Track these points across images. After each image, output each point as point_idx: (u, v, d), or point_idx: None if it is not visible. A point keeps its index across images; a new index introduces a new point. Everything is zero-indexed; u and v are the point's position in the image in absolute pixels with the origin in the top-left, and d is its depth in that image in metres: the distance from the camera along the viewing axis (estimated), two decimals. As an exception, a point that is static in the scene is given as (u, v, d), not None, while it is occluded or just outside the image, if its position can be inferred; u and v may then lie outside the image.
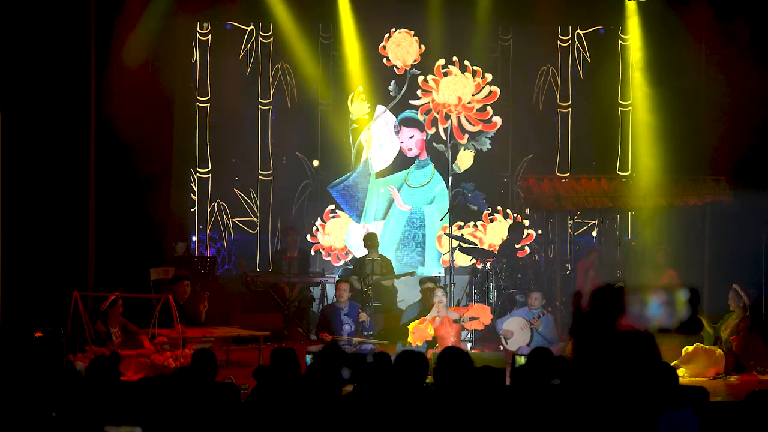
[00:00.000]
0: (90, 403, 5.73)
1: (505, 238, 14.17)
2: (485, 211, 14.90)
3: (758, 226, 12.77)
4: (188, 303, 11.18)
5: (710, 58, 13.72)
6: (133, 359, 9.67)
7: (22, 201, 11.03)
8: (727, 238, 12.72)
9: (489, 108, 14.96)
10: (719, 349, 10.44)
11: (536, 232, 14.56)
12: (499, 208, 14.94)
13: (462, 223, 14.75)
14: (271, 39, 14.70)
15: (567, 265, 14.13)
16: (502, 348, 11.03)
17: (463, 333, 10.92)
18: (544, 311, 11.17)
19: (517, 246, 13.76)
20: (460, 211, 14.59)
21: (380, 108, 14.89)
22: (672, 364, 9.91)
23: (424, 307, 11.34)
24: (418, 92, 14.92)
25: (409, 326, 10.58)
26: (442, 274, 14.07)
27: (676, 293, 2.84)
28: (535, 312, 11.07)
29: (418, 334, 10.38)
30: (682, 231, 13.29)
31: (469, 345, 11.76)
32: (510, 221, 14.65)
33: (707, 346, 10.47)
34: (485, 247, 14.30)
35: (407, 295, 13.23)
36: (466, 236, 14.22)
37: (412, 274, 13.55)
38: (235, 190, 14.70)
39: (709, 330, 10.63)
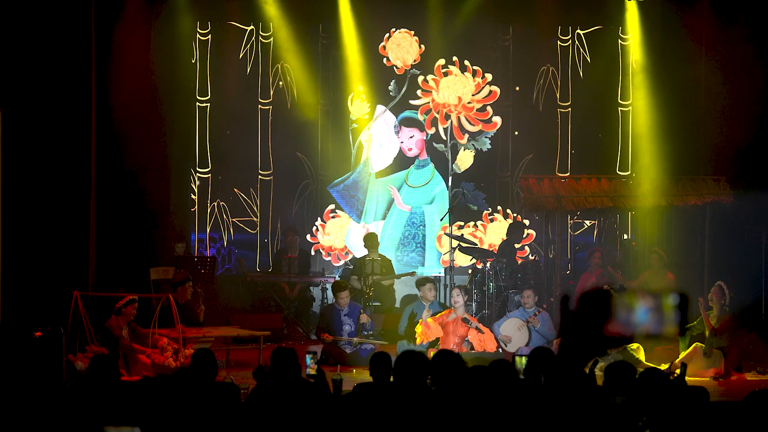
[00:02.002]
0: (90, 403, 5.73)
1: (505, 238, 14.15)
2: (485, 211, 14.90)
3: (758, 226, 12.78)
4: (187, 303, 11.16)
5: (710, 58, 13.72)
6: (138, 359, 9.67)
7: (22, 201, 11.03)
8: (727, 238, 12.72)
9: (489, 108, 14.97)
10: (718, 350, 10.44)
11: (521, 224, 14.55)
12: (499, 208, 14.94)
13: (462, 223, 14.75)
14: (271, 39, 14.70)
15: (567, 264, 14.15)
16: (501, 350, 11.04)
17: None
18: (539, 309, 11.19)
19: (517, 246, 13.76)
20: (460, 211, 14.59)
21: (380, 108, 14.89)
22: (671, 364, 9.97)
23: (423, 307, 11.34)
24: (418, 92, 14.92)
25: (419, 322, 10.58)
26: (442, 274, 14.08)
27: (665, 299, 2.83)
28: (530, 311, 11.09)
29: (427, 331, 10.40)
30: (682, 231, 13.30)
31: (468, 345, 11.75)
32: (510, 221, 14.65)
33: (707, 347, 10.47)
34: (485, 247, 14.30)
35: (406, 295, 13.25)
36: (466, 236, 14.21)
37: (412, 274, 13.54)
38: (235, 190, 14.71)
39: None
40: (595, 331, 2.90)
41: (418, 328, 10.54)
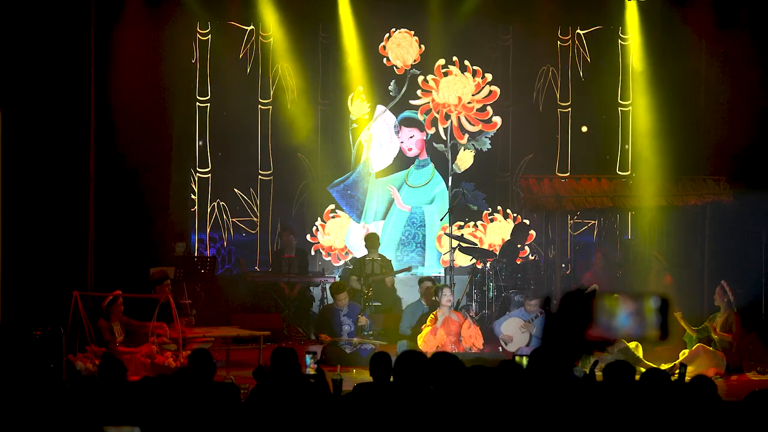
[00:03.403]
0: (90, 403, 5.73)
1: (506, 238, 14.13)
2: (485, 211, 14.90)
3: (758, 226, 12.78)
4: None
5: (710, 58, 13.73)
6: (134, 358, 9.67)
7: (22, 201, 11.02)
8: (727, 238, 12.72)
9: (489, 108, 14.96)
10: (719, 350, 10.43)
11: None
12: (499, 208, 14.93)
13: (462, 223, 14.74)
14: (271, 39, 14.69)
15: (567, 264, 14.14)
16: (501, 349, 11.04)
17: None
18: (539, 312, 11.18)
19: (519, 246, 13.76)
20: (460, 211, 14.59)
21: (380, 108, 14.89)
22: (673, 365, 9.96)
23: (423, 307, 11.34)
24: (418, 92, 14.91)
25: (418, 338, 10.59)
26: (442, 274, 14.07)
27: (645, 302, 2.82)
28: (532, 314, 11.08)
29: (430, 342, 10.41)
30: (682, 231, 13.30)
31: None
32: (510, 221, 14.65)
33: (709, 347, 10.46)
34: (485, 247, 14.30)
35: (406, 294, 13.23)
36: (466, 236, 14.21)
37: (409, 269, 13.56)
38: (235, 190, 14.70)
39: (692, 333, 10.61)
40: (577, 332, 2.89)
41: (421, 339, 10.52)
